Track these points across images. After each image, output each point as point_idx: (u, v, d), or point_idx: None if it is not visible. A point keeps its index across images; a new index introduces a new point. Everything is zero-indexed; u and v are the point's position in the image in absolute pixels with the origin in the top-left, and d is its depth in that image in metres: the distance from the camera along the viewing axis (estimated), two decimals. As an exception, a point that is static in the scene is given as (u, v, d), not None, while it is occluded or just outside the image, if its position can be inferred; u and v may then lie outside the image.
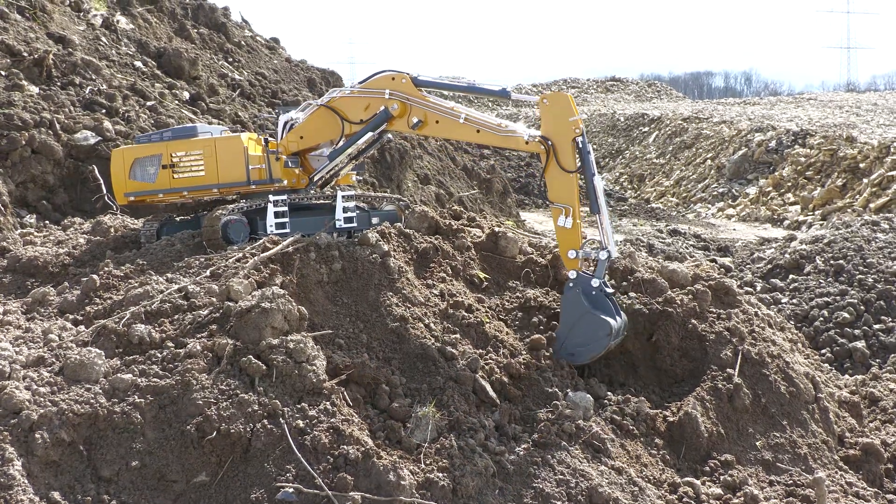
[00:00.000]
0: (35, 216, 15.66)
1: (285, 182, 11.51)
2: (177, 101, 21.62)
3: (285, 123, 11.84)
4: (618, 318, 10.08)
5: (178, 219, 12.13)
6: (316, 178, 11.92)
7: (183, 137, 11.57)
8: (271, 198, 11.14)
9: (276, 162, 11.36)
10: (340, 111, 11.37)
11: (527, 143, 10.32)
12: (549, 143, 10.13)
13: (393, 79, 11.09)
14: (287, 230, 11.05)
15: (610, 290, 10.14)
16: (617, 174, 54.43)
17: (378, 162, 24.81)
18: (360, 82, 11.49)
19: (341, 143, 11.44)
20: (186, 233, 11.29)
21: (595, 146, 59.62)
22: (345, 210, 11.72)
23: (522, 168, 43.60)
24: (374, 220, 11.98)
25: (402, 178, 25.51)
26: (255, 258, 9.60)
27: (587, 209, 10.20)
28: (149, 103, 20.11)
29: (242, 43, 30.59)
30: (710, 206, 41.80)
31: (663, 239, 26.17)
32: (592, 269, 10.03)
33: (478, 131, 10.66)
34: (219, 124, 20.93)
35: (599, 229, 10.05)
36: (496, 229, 11.76)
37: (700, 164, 47.05)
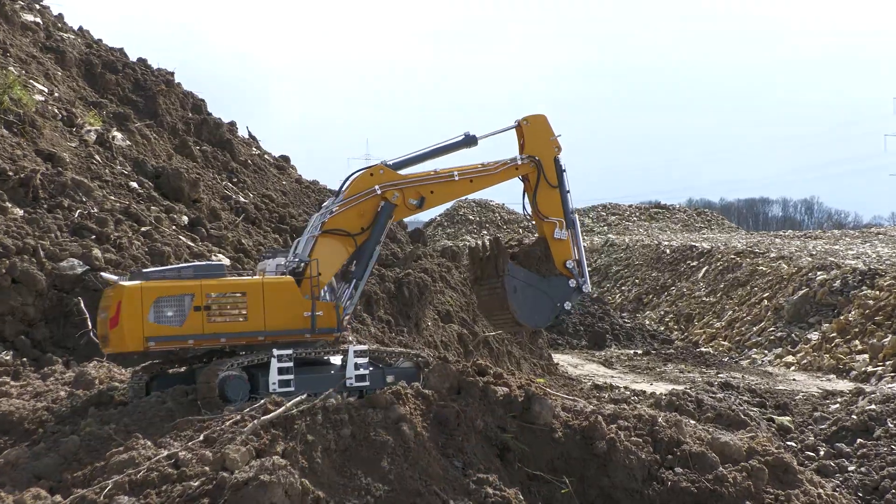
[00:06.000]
0: (12, 353, 15.70)
1: (348, 333, 11.83)
2: (174, 227, 21.81)
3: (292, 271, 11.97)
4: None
5: (170, 371, 12.15)
6: (349, 313, 12.27)
7: (213, 275, 11.63)
8: (275, 352, 11.12)
9: (335, 309, 11.75)
10: (340, 228, 11.96)
11: (517, 168, 12.38)
12: (537, 159, 12.23)
13: (371, 174, 12.02)
14: (291, 388, 11.01)
15: (562, 316, 12.74)
16: (662, 313, 54.35)
17: (395, 298, 24.70)
18: (336, 195, 12.23)
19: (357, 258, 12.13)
20: (179, 388, 11.29)
21: (638, 280, 59.78)
22: (356, 367, 11.65)
23: (555, 304, 43.55)
24: (389, 378, 11.92)
25: (421, 315, 25.35)
26: (255, 422, 9.62)
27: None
28: (143, 229, 20.33)
29: (249, 161, 31.01)
30: (766, 352, 41.51)
31: (714, 393, 25.92)
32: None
33: (471, 181, 12.37)
34: (219, 251, 21.15)
35: (573, 249, 12.31)
36: (528, 390, 11.74)
37: (755, 305, 46.94)
